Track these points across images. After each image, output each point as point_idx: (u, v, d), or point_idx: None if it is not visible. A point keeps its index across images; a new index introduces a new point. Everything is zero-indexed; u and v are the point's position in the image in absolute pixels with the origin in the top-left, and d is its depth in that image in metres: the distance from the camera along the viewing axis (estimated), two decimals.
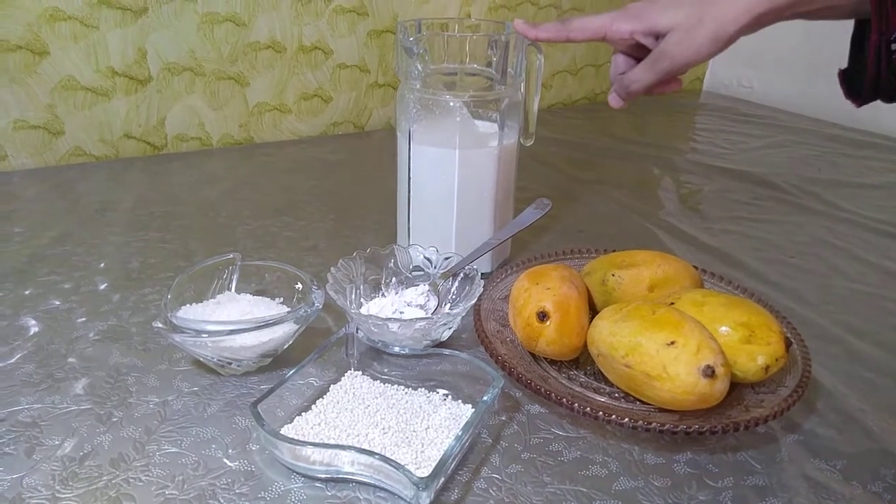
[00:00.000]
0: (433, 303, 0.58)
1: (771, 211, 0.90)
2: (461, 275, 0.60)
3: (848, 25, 0.52)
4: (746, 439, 0.48)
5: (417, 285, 0.60)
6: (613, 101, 0.59)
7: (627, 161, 1.08)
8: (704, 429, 0.43)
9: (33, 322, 0.58)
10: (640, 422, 0.44)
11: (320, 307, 0.53)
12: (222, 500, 0.41)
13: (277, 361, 0.53)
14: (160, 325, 0.49)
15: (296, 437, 0.44)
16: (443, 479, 0.42)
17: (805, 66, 1.38)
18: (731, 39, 0.51)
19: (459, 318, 0.55)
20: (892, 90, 0.49)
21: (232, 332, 0.48)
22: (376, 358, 0.52)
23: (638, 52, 0.57)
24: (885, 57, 0.47)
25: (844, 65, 0.53)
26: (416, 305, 0.57)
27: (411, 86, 0.62)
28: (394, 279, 0.62)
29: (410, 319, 0.54)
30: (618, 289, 0.56)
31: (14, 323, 0.57)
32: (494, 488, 0.43)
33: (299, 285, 0.57)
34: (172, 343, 0.51)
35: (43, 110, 0.93)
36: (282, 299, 0.57)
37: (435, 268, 0.61)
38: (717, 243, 0.79)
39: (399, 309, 0.57)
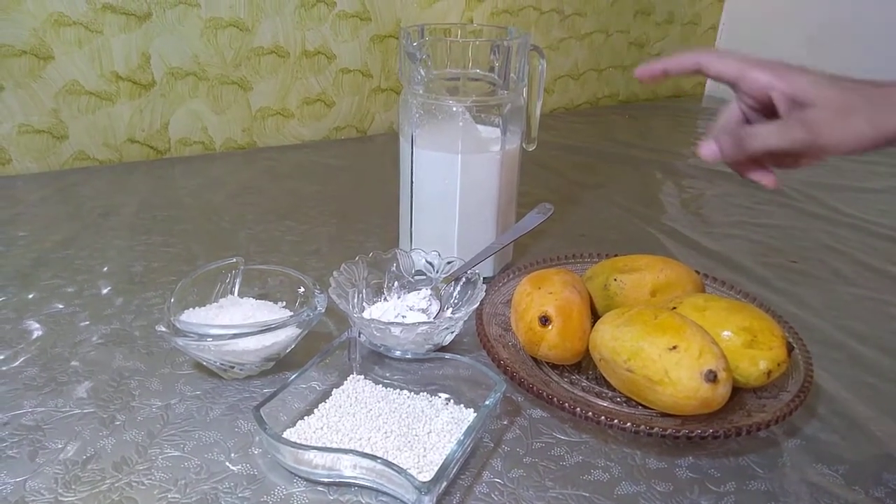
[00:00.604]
0: (435, 307, 0.58)
1: (773, 215, 0.90)
2: (463, 279, 0.60)
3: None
4: (748, 444, 0.48)
5: (420, 290, 0.60)
6: (708, 151, 0.47)
7: (629, 165, 1.08)
8: (706, 433, 0.43)
9: (37, 326, 0.58)
10: (642, 426, 0.44)
11: (323, 311, 0.53)
12: None
13: (280, 365, 0.53)
14: (163, 329, 0.49)
15: (298, 441, 0.44)
16: (445, 484, 0.42)
17: None
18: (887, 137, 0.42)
19: (461, 322, 0.55)
20: None
21: (235, 335, 0.48)
22: (378, 362, 0.52)
23: (757, 112, 0.49)
24: None
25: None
26: (419, 310, 0.57)
27: (414, 91, 0.62)
28: (396, 283, 0.62)
29: (413, 323, 0.54)
30: (620, 293, 0.56)
31: (17, 326, 0.58)
32: (496, 493, 0.43)
33: (302, 289, 0.57)
34: (175, 347, 0.51)
35: (47, 115, 0.93)
36: (284, 303, 0.57)
37: (437, 272, 0.61)
38: (719, 248, 0.79)
39: (401, 313, 0.57)
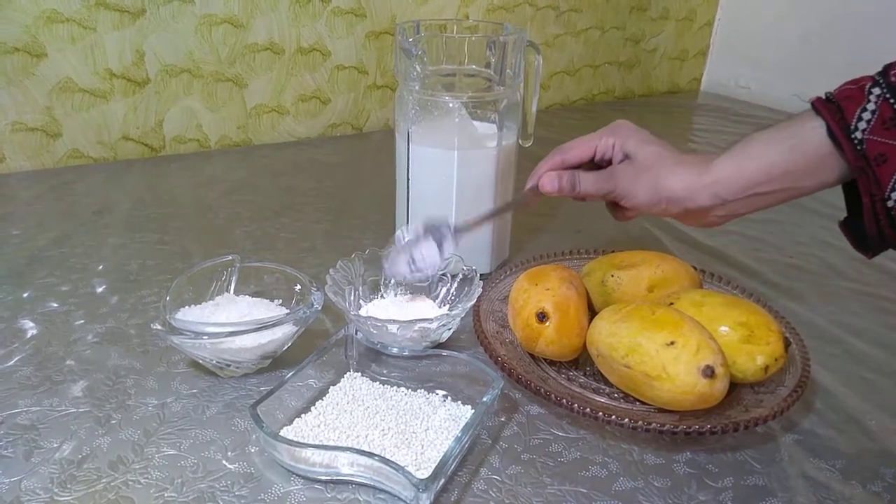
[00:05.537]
0: (451, 247, 0.55)
1: (769, 211, 0.89)
2: (460, 276, 0.60)
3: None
4: (746, 439, 0.48)
5: (428, 239, 0.56)
6: (549, 184, 0.54)
7: None
8: (704, 429, 0.43)
9: (31, 324, 0.57)
10: (640, 422, 0.44)
11: (319, 308, 0.53)
12: (221, 503, 0.40)
13: (276, 363, 0.53)
14: (159, 327, 0.49)
15: (295, 439, 0.44)
16: (442, 481, 0.42)
17: (803, 67, 1.38)
18: (663, 199, 0.49)
19: (459, 318, 0.55)
20: None
21: (231, 333, 0.48)
22: (375, 359, 0.52)
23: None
24: (884, 216, 0.43)
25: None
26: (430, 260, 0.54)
27: (410, 87, 0.62)
28: (392, 280, 0.62)
29: (410, 321, 0.54)
30: (617, 289, 0.56)
31: (12, 325, 0.57)
32: (494, 489, 0.42)
33: (298, 287, 0.57)
34: (171, 345, 0.51)
35: (40, 112, 0.92)
36: (280, 301, 0.57)
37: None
38: (715, 243, 0.79)
39: (412, 257, 0.55)
